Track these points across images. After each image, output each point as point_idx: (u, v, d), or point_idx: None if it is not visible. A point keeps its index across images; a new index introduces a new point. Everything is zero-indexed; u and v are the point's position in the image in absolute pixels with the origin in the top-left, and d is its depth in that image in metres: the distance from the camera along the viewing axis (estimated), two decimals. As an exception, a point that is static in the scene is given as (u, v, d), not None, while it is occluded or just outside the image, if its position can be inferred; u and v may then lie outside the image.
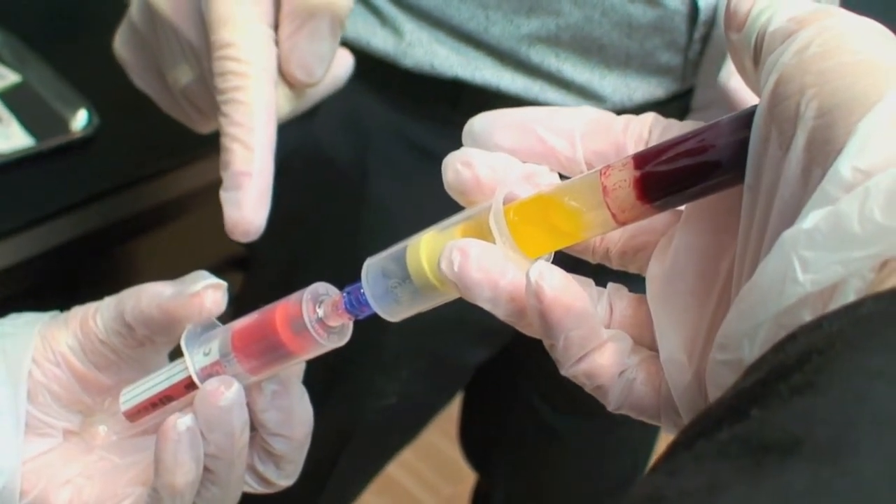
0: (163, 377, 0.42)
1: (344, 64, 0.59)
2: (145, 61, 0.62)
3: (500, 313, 0.35)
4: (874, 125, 0.26)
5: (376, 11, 0.74)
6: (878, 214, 0.25)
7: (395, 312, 0.38)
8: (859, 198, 0.25)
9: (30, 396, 0.43)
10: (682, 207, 0.35)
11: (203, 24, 0.50)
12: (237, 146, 0.48)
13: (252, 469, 0.44)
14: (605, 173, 0.33)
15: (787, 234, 0.26)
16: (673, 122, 0.36)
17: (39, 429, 0.44)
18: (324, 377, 0.80)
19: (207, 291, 0.41)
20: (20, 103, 0.93)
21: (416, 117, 0.76)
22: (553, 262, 0.36)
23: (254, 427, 0.43)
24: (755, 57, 0.32)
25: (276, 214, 0.89)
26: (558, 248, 0.36)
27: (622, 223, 0.34)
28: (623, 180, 0.33)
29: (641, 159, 0.33)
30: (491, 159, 0.37)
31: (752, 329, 0.27)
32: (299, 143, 0.82)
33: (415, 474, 1.65)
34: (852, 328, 0.23)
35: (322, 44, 0.51)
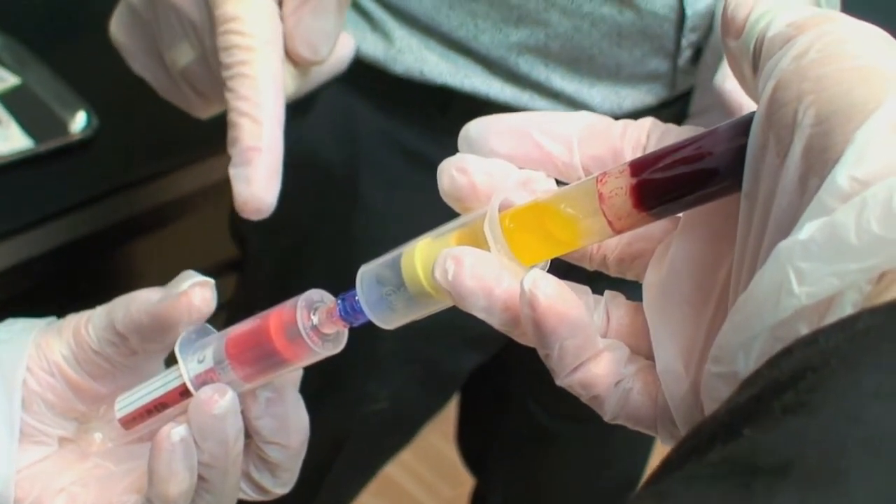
0: (157, 384, 0.42)
1: (347, 45, 0.58)
2: (143, 44, 0.60)
3: (495, 322, 0.34)
4: (872, 133, 0.25)
5: (367, 16, 0.73)
6: (876, 226, 0.24)
7: (389, 320, 0.38)
8: (856, 208, 0.24)
9: (24, 405, 0.43)
10: (681, 214, 0.34)
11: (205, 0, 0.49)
12: (245, 121, 0.47)
13: (247, 476, 0.44)
14: (601, 180, 0.33)
15: (783, 244, 0.26)
16: (671, 126, 0.36)
17: (34, 437, 0.43)
18: (317, 382, 0.79)
19: (195, 290, 0.41)
20: (19, 105, 0.93)
21: (406, 123, 0.76)
22: (549, 269, 0.36)
23: (249, 434, 0.43)
24: (754, 63, 0.31)
25: (267, 218, 0.89)
26: (554, 255, 0.35)
27: (619, 231, 0.33)
28: (619, 188, 0.33)
29: (638, 166, 0.32)
30: (487, 165, 0.36)
31: (747, 341, 0.27)
32: (289, 146, 0.81)
33: (415, 476, 1.65)
34: (848, 344, 0.22)
35: (327, 20, 0.50)
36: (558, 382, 0.34)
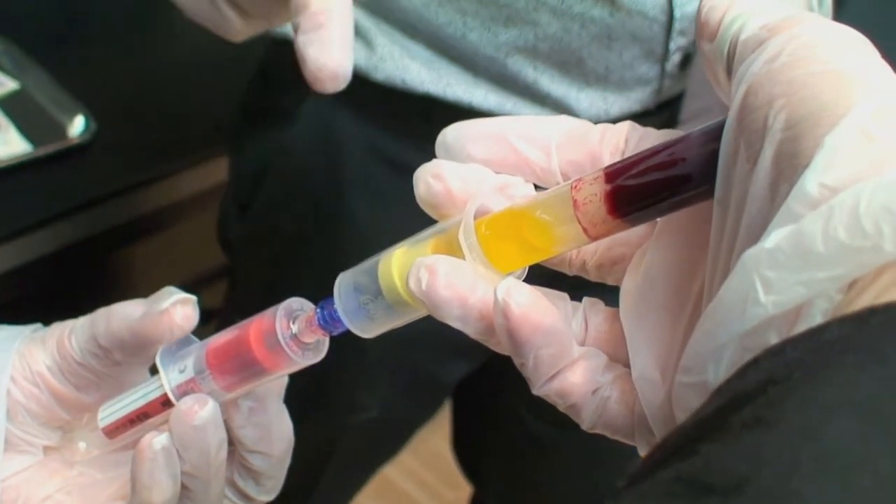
0: (139, 394, 0.42)
1: None
2: None
3: (471, 331, 0.34)
4: (841, 139, 0.25)
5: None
6: (843, 234, 0.24)
7: (368, 329, 0.37)
8: (823, 216, 0.24)
9: (9, 415, 0.43)
10: (657, 221, 0.34)
11: None
12: None
13: (232, 484, 0.44)
14: (576, 187, 0.33)
15: (749, 252, 0.25)
16: (650, 130, 0.35)
17: (18, 446, 0.43)
18: (304, 390, 0.79)
19: (177, 308, 0.41)
20: (18, 110, 0.94)
21: (389, 133, 0.76)
22: (530, 274, 0.36)
23: (233, 443, 0.43)
24: (728, 67, 0.31)
25: (253, 228, 0.88)
26: (531, 262, 0.35)
27: (594, 238, 0.33)
28: (594, 194, 0.32)
29: (612, 173, 0.32)
30: (463, 171, 0.36)
31: (716, 351, 0.26)
32: (274, 157, 0.81)
33: (416, 479, 1.65)
34: (812, 356, 0.22)
35: None
36: (534, 391, 0.33)
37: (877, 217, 0.23)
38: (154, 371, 0.43)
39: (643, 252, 0.34)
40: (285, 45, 0.77)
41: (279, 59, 0.82)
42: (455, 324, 0.33)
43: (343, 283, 0.37)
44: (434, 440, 1.37)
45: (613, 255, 0.36)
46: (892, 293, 0.24)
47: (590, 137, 0.35)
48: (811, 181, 0.25)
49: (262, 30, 0.50)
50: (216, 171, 0.95)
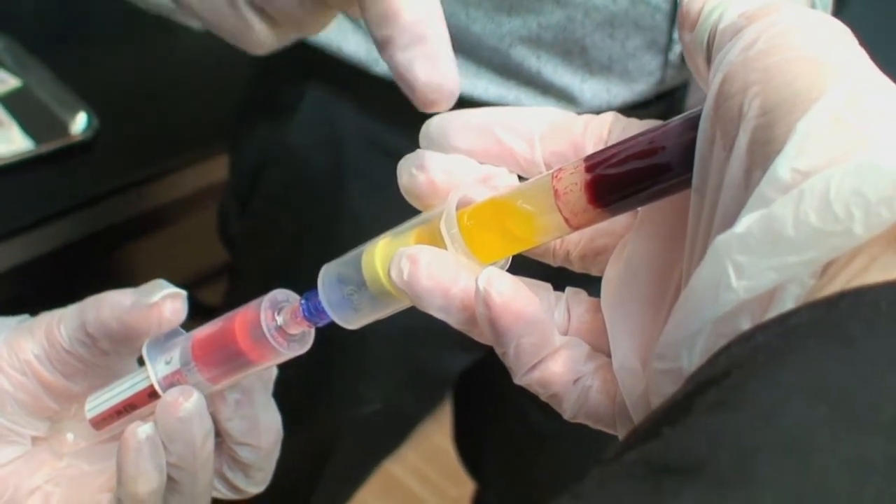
0: (126, 386, 0.42)
1: None
2: None
3: (453, 322, 0.34)
4: (814, 124, 0.25)
5: (349, 15, 0.73)
6: (814, 218, 0.23)
7: (352, 320, 0.37)
8: (794, 200, 0.24)
9: None
10: (639, 210, 0.34)
11: None
12: None
13: (221, 476, 0.44)
14: (557, 177, 0.33)
15: (721, 238, 0.25)
16: (633, 121, 0.35)
17: (7, 437, 0.43)
18: (305, 384, 0.80)
19: (166, 302, 0.41)
20: (20, 107, 0.94)
21: (389, 126, 0.75)
22: (516, 265, 0.36)
23: (221, 435, 0.43)
24: (707, 56, 0.31)
25: (253, 223, 0.88)
26: (513, 253, 0.35)
27: (575, 227, 0.33)
28: (574, 184, 0.32)
29: (592, 163, 0.32)
30: (446, 162, 0.36)
31: (690, 337, 0.26)
32: (274, 151, 0.81)
33: (420, 476, 1.65)
34: (778, 340, 0.22)
35: None
36: (516, 381, 0.33)
37: (847, 201, 0.23)
38: (142, 362, 0.43)
39: (625, 243, 0.34)
40: None
41: (281, 51, 0.82)
42: (437, 314, 0.33)
43: (327, 274, 0.37)
44: (437, 436, 1.37)
45: (596, 245, 0.36)
46: (863, 277, 0.24)
47: (573, 128, 0.35)
48: (783, 166, 0.25)
49: (291, 41, 0.44)
50: (217, 169, 0.96)
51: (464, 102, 0.74)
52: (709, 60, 0.31)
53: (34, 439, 0.45)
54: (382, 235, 0.37)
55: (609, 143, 0.35)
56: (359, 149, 0.77)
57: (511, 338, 0.32)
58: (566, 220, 0.32)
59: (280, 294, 0.40)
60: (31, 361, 0.43)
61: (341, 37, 0.72)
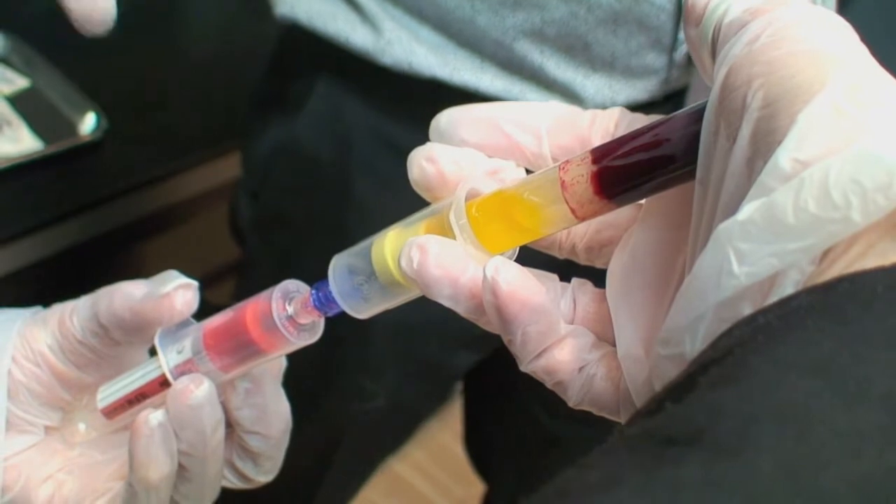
0: (138, 375, 0.42)
1: None
2: None
3: (461, 310, 0.34)
4: (814, 115, 0.26)
5: (357, 7, 0.74)
6: (813, 205, 0.24)
7: (362, 309, 0.38)
8: (794, 188, 0.25)
9: (10, 395, 0.43)
10: (643, 202, 0.34)
11: None
12: None
13: (230, 464, 0.45)
14: (563, 168, 0.33)
15: (723, 226, 0.26)
16: (639, 116, 0.36)
17: (20, 426, 0.44)
18: (312, 378, 0.80)
19: (178, 292, 0.41)
20: (29, 107, 0.95)
21: (396, 117, 0.76)
22: (523, 258, 0.36)
23: (231, 424, 0.44)
24: (712, 50, 0.31)
25: (264, 216, 0.89)
26: (520, 244, 0.36)
27: (582, 218, 0.33)
28: (581, 175, 0.33)
29: (599, 154, 0.33)
30: (456, 155, 0.36)
31: (693, 323, 0.27)
32: (282, 143, 0.82)
33: (427, 476, 1.65)
34: (778, 321, 0.22)
35: None
36: (522, 368, 0.34)
37: (845, 188, 0.24)
38: (153, 353, 0.44)
39: (630, 234, 0.35)
40: (296, 31, 0.78)
41: (291, 45, 0.83)
42: (446, 302, 0.34)
43: (337, 264, 0.38)
44: (444, 436, 1.37)
45: (602, 237, 0.36)
46: (861, 263, 0.25)
47: (580, 122, 0.36)
48: (784, 156, 0.25)
49: None
50: (227, 168, 0.96)
51: (469, 95, 0.75)
52: (714, 55, 0.31)
53: (47, 429, 0.45)
54: (392, 226, 0.37)
55: (615, 137, 0.35)
56: (366, 141, 0.78)
57: (517, 325, 0.33)
58: (573, 211, 0.33)
59: (291, 284, 0.40)
60: (44, 352, 0.43)
61: (350, 28, 0.73)
